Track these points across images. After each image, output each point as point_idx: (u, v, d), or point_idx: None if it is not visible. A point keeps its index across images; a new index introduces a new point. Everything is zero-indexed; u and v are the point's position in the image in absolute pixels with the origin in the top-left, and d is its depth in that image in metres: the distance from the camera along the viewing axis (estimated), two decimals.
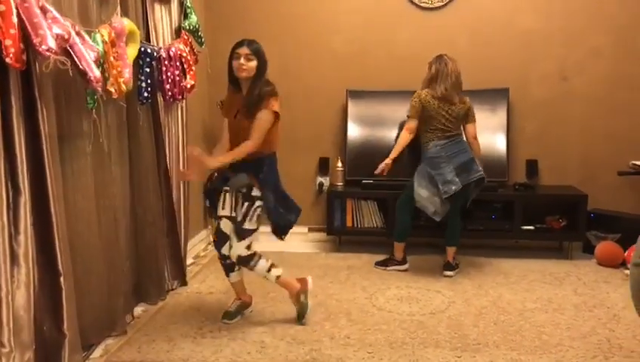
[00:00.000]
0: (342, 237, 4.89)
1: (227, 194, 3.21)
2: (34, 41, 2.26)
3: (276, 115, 3.14)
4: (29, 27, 2.24)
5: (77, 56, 2.53)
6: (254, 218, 3.17)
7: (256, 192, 3.16)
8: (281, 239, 3.37)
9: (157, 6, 3.64)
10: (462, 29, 4.78)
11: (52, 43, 2.29)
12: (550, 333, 3.18)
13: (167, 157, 3.76)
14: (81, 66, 2.54)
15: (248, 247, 3.19)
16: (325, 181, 4.99)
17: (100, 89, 2.68)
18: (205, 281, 4.04)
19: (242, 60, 3.08)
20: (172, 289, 3.83)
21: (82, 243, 2.87)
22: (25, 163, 2.38)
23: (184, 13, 3.92)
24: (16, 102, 2.31)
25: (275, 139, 3.22)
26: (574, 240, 4.56)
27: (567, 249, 4.58)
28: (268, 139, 3.15)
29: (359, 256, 4.59)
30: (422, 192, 3.97)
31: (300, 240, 5.03)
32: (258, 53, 3.11)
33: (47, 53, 2.30)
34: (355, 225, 4.76)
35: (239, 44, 3.12)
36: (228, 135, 3.27)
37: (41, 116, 2.44)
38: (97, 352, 2.99)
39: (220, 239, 3.25)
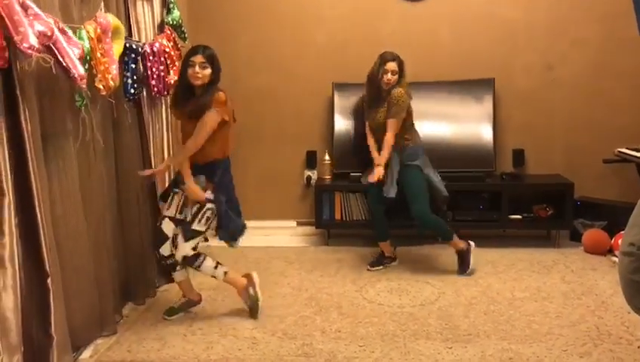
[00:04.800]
0: (331, 230, 4.88)
1: (176, 196, 3.29)
2: (15, 38, 2.22)
3: (223, 120, 3.15)
4: (9, 25, 2.20)
5: (60, 54, 2.48)
6: (203, 220, 3.21)
7: (209, 195, 3.20)
8: (232, 246, 3.37)
9: (139, 1, 3.59)
10: (445, 20, 4.77)
11: (34, 40, 2.25)
12: (540, 322, 3.20)
13: (152, 154, 3.72)
14: (64, 63, 2.50)
15: (194, 248, 3.21)
16: (313, 174, 4.97)
17: (84, 86, 2.63)
18: (193, 278, 3.99)
19: (197, 68, 3.09)
20: (159, 287, 3.81)
21: (69, 244, 2.83)
22: (8, 163, 2.34)
23: (167, 9, 3.88)
24: None
25: (227, 143, 3.27)
26: (561, 228, 4.59)
27: (555, 237, 4.60)
28: (220, 144, 3.22)
29: (348, 249, 4.59)
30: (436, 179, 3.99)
31: (289, 234, 5.02)
32: (213, 61, 3.14)
33: (29, 51, 2.25)
34: (344, 218, 4.75)
35: (194, 52, 3.13)
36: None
37: (24, 116, 2.40)
38: (87, 353, 2.97)
39: (159, 239, 3.27)
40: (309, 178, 4.98)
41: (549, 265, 4.11)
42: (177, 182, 3.30)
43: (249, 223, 3.38)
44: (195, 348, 2.99)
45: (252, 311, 3.37)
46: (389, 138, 3.87)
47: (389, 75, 3.85)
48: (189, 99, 3.17)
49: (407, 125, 3.95)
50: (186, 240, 3.18)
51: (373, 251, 4.41)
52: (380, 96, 3.95)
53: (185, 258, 3.20)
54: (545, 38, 4.72)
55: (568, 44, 4.70)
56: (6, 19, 2.20)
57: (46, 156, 2.64)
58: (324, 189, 4.73)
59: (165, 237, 3.25)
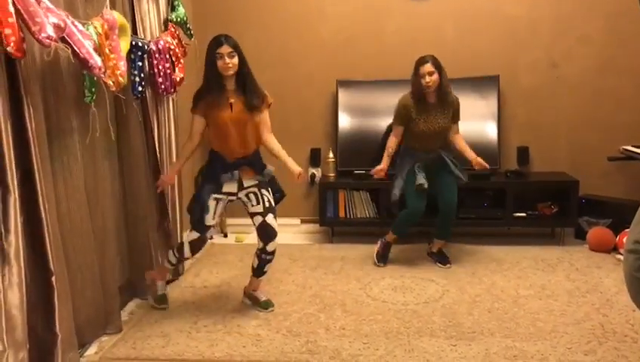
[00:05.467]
0: (334, 228, 4.88)
1: (220, 202, 3.30)
2: (32, 29, 2.23)
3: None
4: (25, 16, 2.21)
5: (76, 45, 2.49)
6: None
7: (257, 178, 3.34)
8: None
9: None
10: (449, 17, 4.77)
11: (51, 31, 2.26)
12: (544, 320, 3.20)
13: (158, 152, 3.73)
14: (81, 55, 2.51)
15: None
16: (317, 172, 4.97)
17: (103, 76, 2.65)
18: (199, 275, 4.02)
19: (227, 59, 3.10)
20: (167, 282, 3.81)
21: (74, 241, 2.84)
22: (13, 161, 2.34)
23: (171, 6, 3.88)
24: (1, 99, 2.27)
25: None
26: (566, 226, 4.58)
27: (559, 235, 4.60)
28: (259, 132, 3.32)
29: (352, 246, 4.59)
30: None
31: (293, 231, 5.02)
32: (237, 48, 3.16)
33: (47, 41, 2.26)
34: (348, 216, 4.75)
35: (218, 43, 3.12)
36: (198, 134, 3.30)
37: (28, 113, 2.40)
38: (92, 349, 2.98)
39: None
40: (313, 176, 4.98)
41: (554, 262, 4.11)
42: (212, 188, 3.25)
43: (248, 220, 3.41)
44: (199, 345, 3.00)
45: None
46: (461, 139, 4.07)
47: (427, 78, 3.82)
48: (222, 93, 3.17)
49: None
50: (275, 218, 3.32)
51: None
52: (427, 101, 3.93)
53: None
54: (549, 36, 4.70)
55: (573, 41, 4.68)
56: (22, 11, 2.21)
57: (51, 154, 2.64)
58: (328, 187, 4.73)
59: (275, 233, 3.30)
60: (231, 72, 3.13)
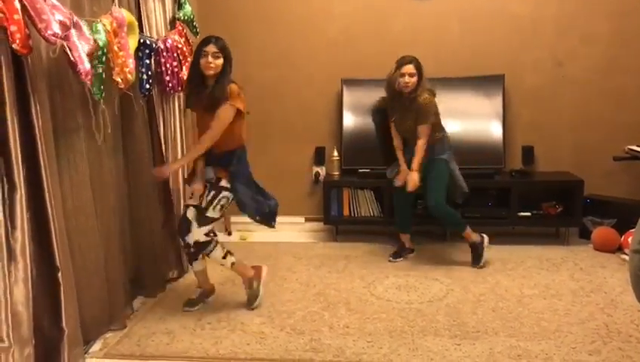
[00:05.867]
0: (339, 226, 4.88)
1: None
2: (38, 26, 2.24)
3: (238, 111, 3.19)
4: (32, 12, 2.21)
5: (69, 47, 2.50)
6: (217, 207, 3.26)
7: (224, 183, 3.25)
8: (272, 226, 3.42)
9: None
10: (454, 16, 4.76)
11: (57, 28, 2.27)
12: (549, 319, 3.19)
13: (164, 149, 3.74)
14: (72, 58, 2.51)
15: (207, 234, 3.27)
16: (321, 171, 4.98)
17: (89, 82, 2.63)
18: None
19: (210, 58, 3.11)
20: (170, 280, 3.83)
21: (79, 238, 2.86)
22: (20, 158, 2.35)
23: (178, 4, 3.89)
24: (9, 97, 2.28)
25: (241, 133, 3.30)
26: (571, 225, 4.57)
27: (564, 235, 4.59)
28: (234, 134, 3.25)
29: (356, 245, 4.59)
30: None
31: (297, 230, 5.02)
32: (225, 51, 3.16)
33: (53, 39, 2.28)
34: (352, 215, 4.76)
35: (206, 42, 3.14)
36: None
37: (35, 110, 2.41)
38: (97, 346, 2.99)
39: (184, 227, 3.31)
40: (317, 174, 4.98)
41: (558, 262, 4.10)
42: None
43: (247, 219, 3.41)
44: (204, 343, 3.01)
45: (248, 301, 3.45)
46: (421, 145, 3.94)
47: (407, 78, 3.86)
48: (201, 91, 3.19)
49: (435, 125, 4.01)
50: (200, 225, 3.24)
51: (382, 247, 4.43)
52: (401, 100, 3.97)
53: (197, 243, 3.25)
54: (554, 35, 4.69)
55: (577, 40, 4.67)
56: (28, 7, 2.21)
57: (57, 151, 2.65)
58: (333, 185, 4.73)
59: (190, 225, 3.29)
60: (211, 72, 3.13)
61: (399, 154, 4.11)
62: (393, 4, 4.79)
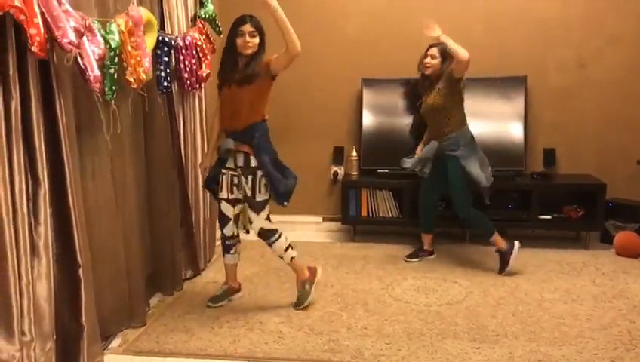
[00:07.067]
0: (356, 226, 4.86)
1: (224, 176, 3.31)
2: (55, 34, 2.25)
3: (272, 79, 3.22)
4: (49, 20, 2.23)
5: (80, 54, 2.49)
6: (262, 188, 3.23)
7: (253, 163, 3.21)
8: (283, 205, 3.31)
9: None
10: (477, 16, 4.71)
11: (73, 36, 2.28)
12: (570, 324, 3.15)
13: (183, 147, 3.74)
14: (81, 64, 2.50)
15: (268, 218, 3.27)
16: (340, 170, 4.97)
17: (97, 89, 2.61)
18: (221, 271, 4.00)
19: (247, 37, 3.12)
20: (187, 279, 3.84)
21: (100, 234, 2.87)
22: (44, 154, 2.37)
23: (200, 2, 3.90)
24: (34, 93, 2.30)
25: (265, 105, 3.29)
26: (592, 229, 4.51)
27: (585, 239, 4.53)
28: (262, 105, 3.25)
29: (374, 245, 4.57)
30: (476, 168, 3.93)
31: (315, 229, 5.02)
32: (260, 30, 3.17)
33: (69, 47, 2.28)
34: (370, 215, 4.74)
35: (241, 22, 3.15)
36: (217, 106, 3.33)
37: (59, 106, 2.43)
38: (116, 342, 3.01)
39: (222, 220, 3.35)
40: (335, 174, 4.97)
41: (579, 266, 4.05)
42: (221, 161, 3.32)
43: (275, 218, 3.37)
44: (222, 341, 3.01)
45: (297, 302, 3.43)
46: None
47: (428, 59, 3.94)
48: (234, 70, 3.18)
49: (454, 105, 3.91)
50: (257, 213, 3.24)
51: (400, 248, 4.41)
52: (425, 83, 4.06)
53: (262, 230, 3.27)
54: (578, 36, 4.63)
55: (602, 41, 4.61)
56: (46, 15, 2.23)
57: (80, 147, 2.67)
58: (351, 185, 4.72)
59: (228, 219, 3.31)
60: (249, 51, 3.13)
61: (420, 145, 4.19)
62: (416, 4, 4.76)
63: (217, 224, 3.48)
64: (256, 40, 3.13)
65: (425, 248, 4.26)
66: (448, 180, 3.93)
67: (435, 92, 3.91)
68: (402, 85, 4.74)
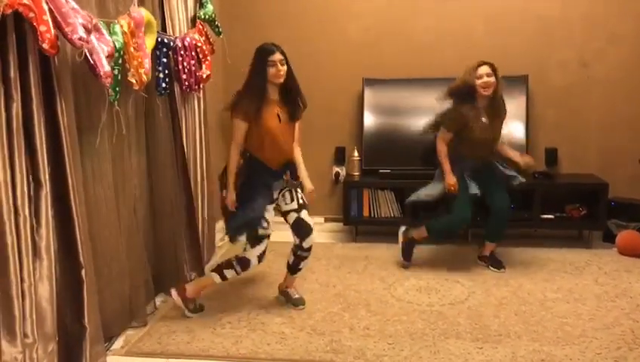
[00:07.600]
0: (358, 227, 4.86)
1: (287, 192, 3.33)
2: (65, 30, 2.26)
3: None
4: (58, 17, 2.23)
5: (89, 51, 2.50)
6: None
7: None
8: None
9: None
10: (479, 15, 4.71)
11: (82, 32, 2.28)
12: (572, 324, 3.15)
13: (185, 148, 3.74)
14: (91, 61, 2.51)
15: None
16: (342, 171, 4.96)
17: (108, 85, 2.63)
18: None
19: (279, 66, 3.09)
20: (191, 280, 3.83)
21: (102, 235, 2.88)
22: (45, 155, 2.37)
23: (200, 3, 3.90)
24: (36, 95, 2.30)
25: None
26: (594, 229, 4.50)
27: (587, 238, 4.52)
28: None
29: (376, 246, 4.57)
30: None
31: (317, 230, 4.93)
32: (286, 56, 3.14)
33: (80, 43, 2.29)
34: (372, 215, 4.73)
35: (269, 51, 3.08)
36: (243, 138, 3.16)
37: (60, 108, 2.43)
38: (118, 343, 3.01)
39: (306, 231, 3.29)
40: (337, 174, 4.97)
41: (582, 266, 4.04)
42: (263, 197, 3.20)
43: (277, 218, 3.36)
44: (224, 342, 3.01)
45: (299, 301, 3.47)
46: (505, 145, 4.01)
47: (485, 78, 3.65)
48: (265, 102, 3.11)
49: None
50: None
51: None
52: (475, 105, 3.75)
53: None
54: (580, 35, 4.62)
55: (604, 41, 4.60)
56: (55, 12, 2.23)
57: (81, 149, 2.67)
58: (353, 186, 4.71)
59: (311, 229, 3.30)
60: (282, 80, 3.12)
61: (447, 166, 3.85)
62: (417, 3, 4.76)
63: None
64: (286, 67, 3.11)
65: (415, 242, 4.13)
66: (500, 187, 3.93)
67: (494, 121, 3.80)
68: (404, 85, 4.72)
